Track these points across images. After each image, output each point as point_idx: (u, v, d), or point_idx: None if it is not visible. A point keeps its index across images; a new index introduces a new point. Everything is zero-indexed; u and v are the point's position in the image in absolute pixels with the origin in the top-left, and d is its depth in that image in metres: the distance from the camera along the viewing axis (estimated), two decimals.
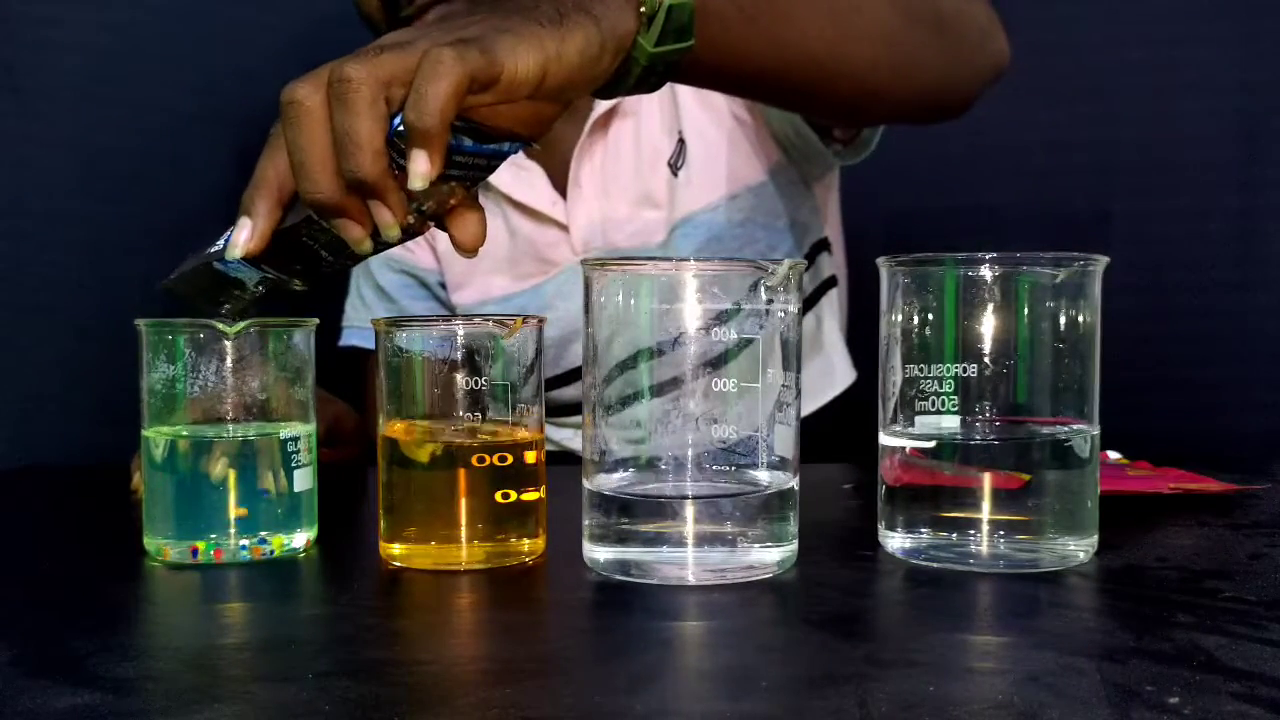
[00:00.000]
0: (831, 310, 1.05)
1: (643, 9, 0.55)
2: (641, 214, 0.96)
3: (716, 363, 0.50)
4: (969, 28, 0.78)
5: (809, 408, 1.02)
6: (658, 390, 0.51)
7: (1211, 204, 1.32)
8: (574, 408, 0.99)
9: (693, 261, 0.50)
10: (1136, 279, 1.28)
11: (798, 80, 0.69)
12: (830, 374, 1.05)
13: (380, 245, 0.54)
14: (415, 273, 1.07)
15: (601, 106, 0.96)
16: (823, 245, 1.03)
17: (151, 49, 1.23)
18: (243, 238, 0.54)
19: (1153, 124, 1.32)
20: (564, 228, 0.98)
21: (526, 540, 0.55)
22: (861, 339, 1.07)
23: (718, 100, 0.96)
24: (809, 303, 1.03)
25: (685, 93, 0.96)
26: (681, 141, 0.96)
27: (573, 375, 1.00)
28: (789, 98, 0.77)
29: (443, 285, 1.07)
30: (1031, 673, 0.38)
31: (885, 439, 0.55)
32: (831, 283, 1.05)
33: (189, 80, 1.24)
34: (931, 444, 0.53)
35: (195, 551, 0.56)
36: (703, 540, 0.51)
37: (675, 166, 0.96)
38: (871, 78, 0.72)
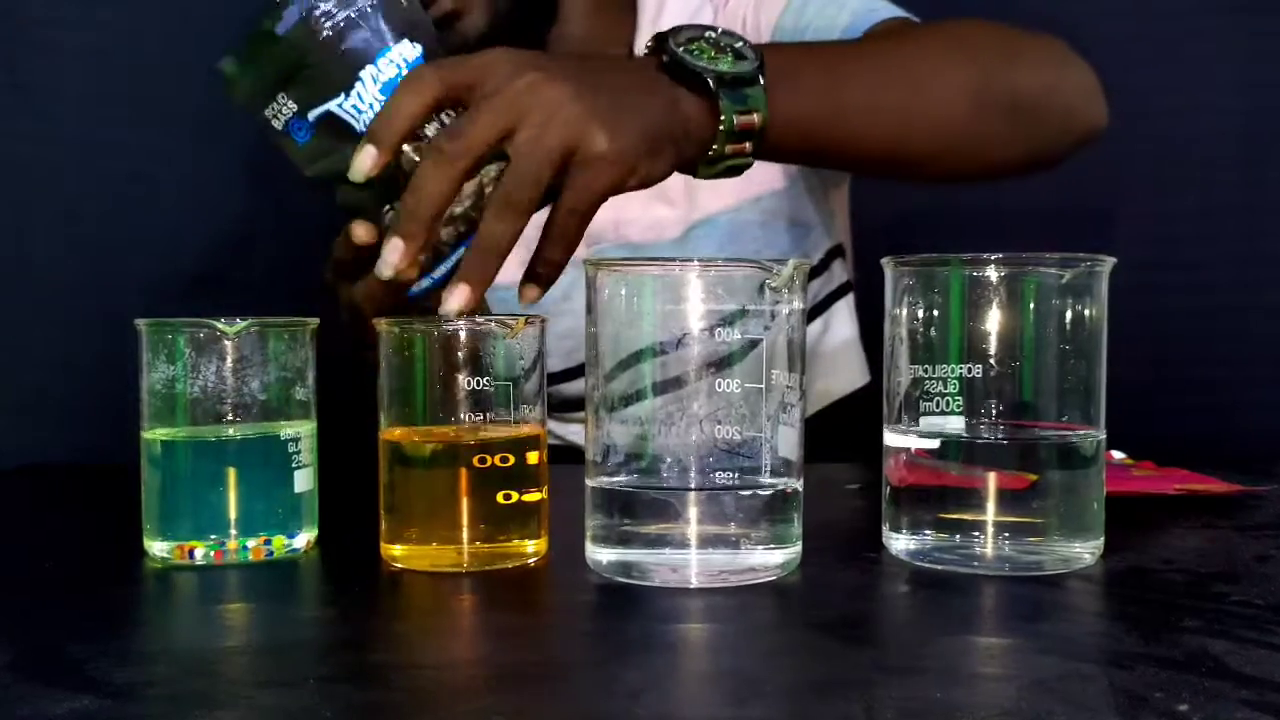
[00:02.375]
0: (848, 314, 1.05)
1: (720, 128, 0.61)
2: (654, 210, 0.96)
3: (720, 363, 0.50)
4: (1054, 105, 0.78)
5: (814, 409, 1.02)
6: (661, 391, 0.50)
7: (1215, 204, 1.32)
8: (582, 403, 0.99)
9: (696, 262, 0.50)
10: (1140, 279, 1.28)
11: (866, 165, 0.73)
12: (838, 378, 1.04)
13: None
14: None
15: None
16: (837, 252, 1.03)
17: (154, 48, 1.23)
18: None
19: (1156, 123, 1.31)
20: None
21: (529, 541, 0.55)
22: (866, 340, 1.07)
23: None
24: (819, 308, 1.03)
25: None
26: None
27: (582, 370, 1.00)
28: (859, 173, 0.82)
29: None
30: (1038, 678, 0.38)
31: (890, 439, 0.55)
32: (847, 288, 1.05)
33: (191, 80, 1.24)
34: (936, 445, 0.53)
35: (194, 552, 0.56)
36: (706, 542, 0.50)
37: None
38: (940, 162, 0.73)
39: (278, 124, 0.56)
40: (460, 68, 0.55)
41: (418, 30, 0.57)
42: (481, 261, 0.56)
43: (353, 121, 0.55)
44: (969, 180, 0.80)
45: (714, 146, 0.61)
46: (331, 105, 0.55)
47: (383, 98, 0.54)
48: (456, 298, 0.56)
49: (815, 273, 1.00)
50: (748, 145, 0.62)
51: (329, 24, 0.54)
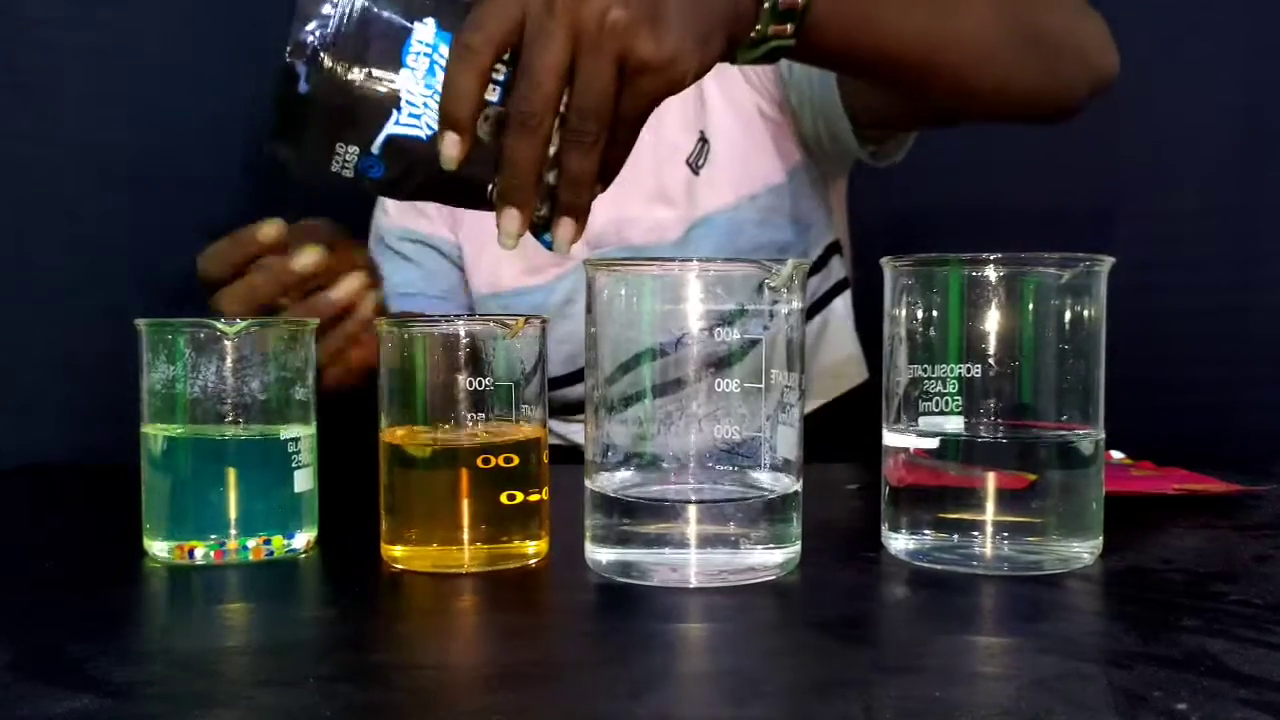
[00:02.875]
0: (846, 311, 1.05)
1: (765, 5, 0.60)
2: (656, 211, 0.96)
3: (720, 363, 0.50)
4: (1071, 45, 0.79)
5: (812, 405, 1.02)
6: (661, 391, 0.50)
7: (1214, 203, 1.32)
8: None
9: (696, 262, 0.50)
10: (1139, 279, 1.28)
11: (896, 75, 0.72)
12: (837, 374, 1.04)
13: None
14: (431, 243, 1.07)
15: None
16: (835, 247, 1.03)
17: (155, 48, 1.23)
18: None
19: (1156, 123, 1.32)
20: None
21: (530, 542, 0.55)
22: (865, 339, 1.07)
23: (745, 99, 0.96)
24: (818, 305, 1.03)
25: (713, 91, 0.96)
26: (704, 140, 0.96)
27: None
28: (885, 86, 0.80)
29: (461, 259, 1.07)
30: (1037, 678, 0.38)
31: (889, 439, 0.55)
32: (845, 284, 1.05)
33: (192, 80, 1.24)
34: (936, 445, 0.53)
35: (194, 552, 0.56)
36: (705, 542, 0.50)
37: (696, 166, 0.96)
38: (965, 80, 0.73)
39: (349, 173, 0.55)
40: (490, 19, 0.53)
41: (413, 5, 0.55)
42: (575, 194, 0.56)
43: (416, 131, 0.53)
44: (987, 112, 0.80)
45: (758, 26, 0.60)
46: (389, 129, 0.54)
47: (429, 91, 0.53)
48: (566, 230, 0.56)
49: (814, 269, 1.00)
50: (789, 26, 0.61)
51: (340, 56, 0.53)
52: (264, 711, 0.36)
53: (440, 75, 0.54)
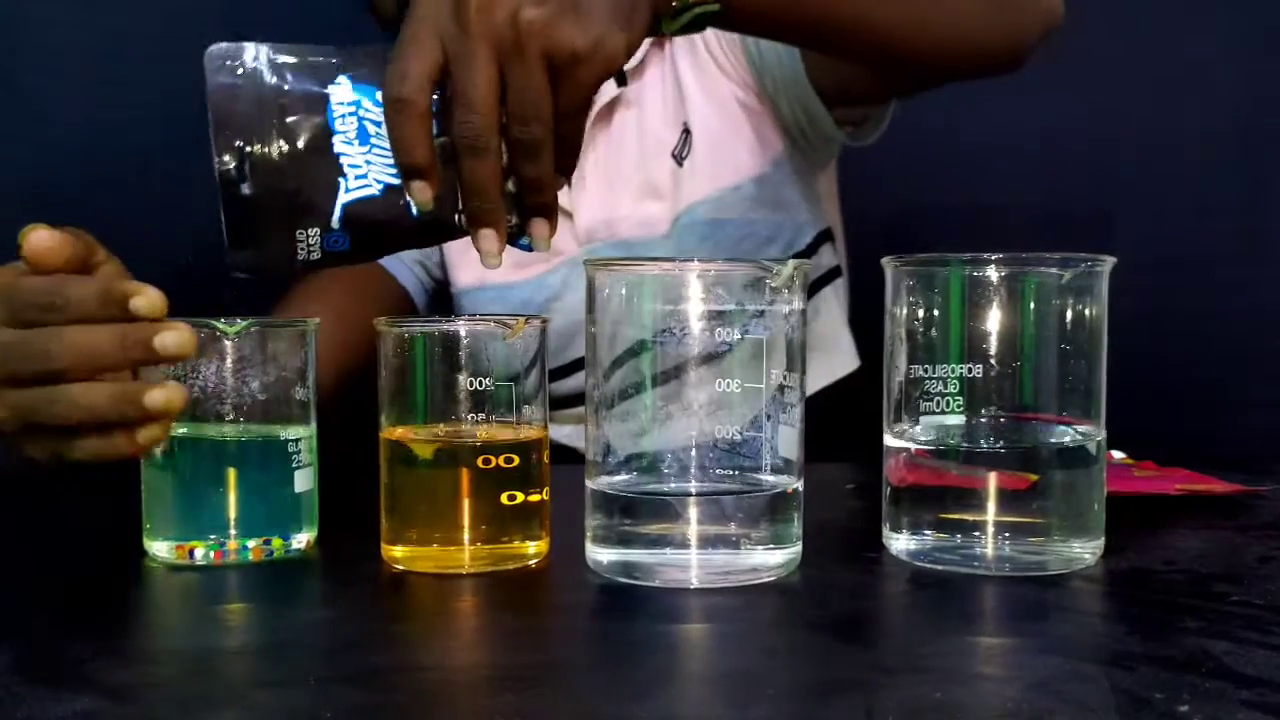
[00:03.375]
0: (837, 300, 1.05)
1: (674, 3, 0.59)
2: (645, 206, 0.96)
3: (720, 362, 0.50)
4: None
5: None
6: (661, 390, 0.50)
7: (1215, 202, 1.32)
8: (573, 400, 0.98)
9: (696, 261, 0.50)
10: (1140, 278, 1.28)
11: (830, 36, 0.71)
12: (829, 362, 1.04)
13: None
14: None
15: (604, 97, 0.95)
16: (826, 235, 1.03)
17: (152, 49, 1.22)
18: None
19: (1156, 121, 1.32)
20: (568, 216, 0.97)
21: (531, 543, 0.55)
22: (862, 333, 1.06)
23: (723, 90, 0.96)
24: (808, 293, 1.02)
25: (691, 83, 0.96)
26: (687, 132, 0.96)
27: (573, 367, 1.00)
28: (828, 50, 0.79)
29: (439, 264, 1.06)
30: (1039, 679, 0.38)
31: (890, 440, 0.55)
32: (836, 273, 1.05)
33: (189, 81, 1.24)
34: (937, 445, 0.53)
35: (194, 553, 0.55)
36: (706, 542, 0.50)
37: (680, 157, 0.96)
38: (905, 36, 0.72)
39: (317, 255, 0.54)
40: (411, 63, 0.52)
41: (321, 71, 0.53)
42: (539, 195, 0.56)
43: (369, 191, 0.53)
44: (935, 66, 0.79)
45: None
46: (342, 199, 0.53)
47: (365, 148, 0.52)
48: (540, 229, 0.57)
49: (802, 257, 1.00)
50: None
51: (271, 147, 0.52)
52: (264, 712, 0.36)
53: (372, 129, 0.53)
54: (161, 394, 0.49)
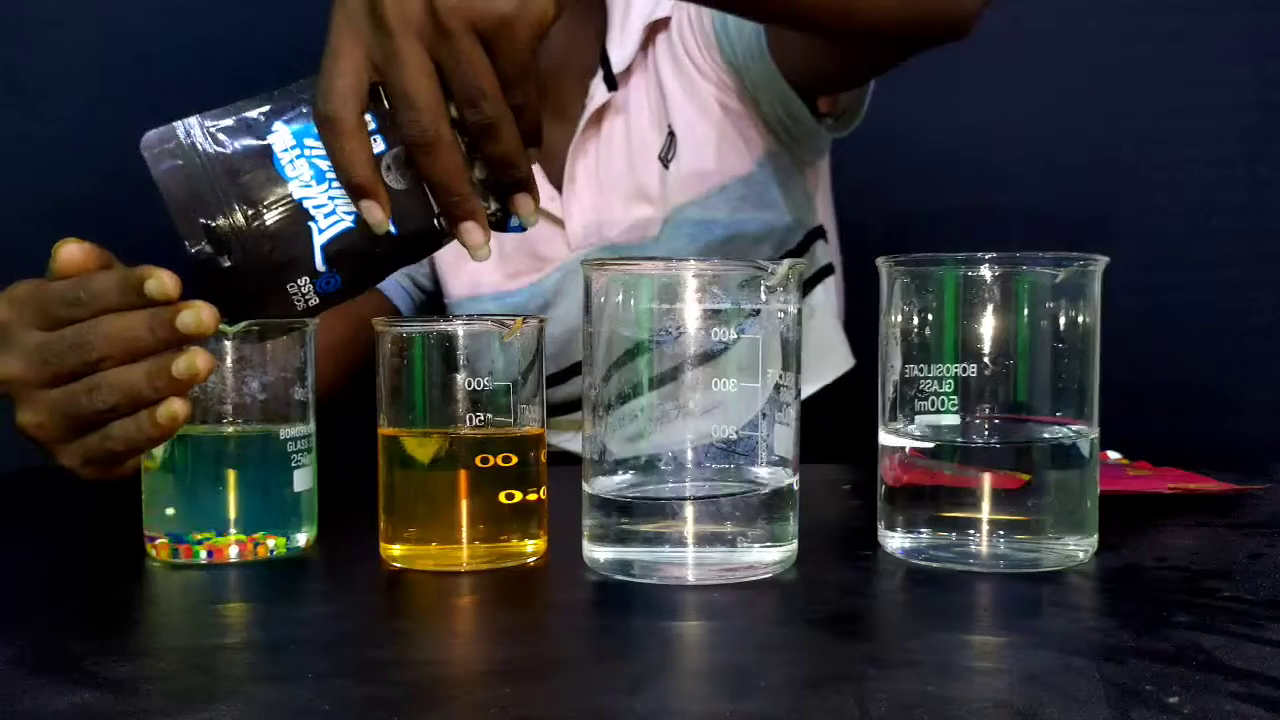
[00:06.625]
0: (829, 298, 1.05)
1: None
2: (635, 210, 0.96)
3: (716, 362, 0.50)
4: None
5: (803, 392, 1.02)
6: (658, 389, 0.51)
7: (1213, 202, 1.32)
8: (571, 405, 0.99)
9: (692, 261, 0.50)
10: (1137, 278, 1.28)
11: (767, 4, 0.70)
12: (822, 361, 1.04)
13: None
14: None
15: (594, 103, 0.96)
16: (818, 233, 1.03)
17: (153, 51, 1.23)
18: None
19: (1155, 121, 1.32)
20: (559, 223, 0.98)
21: (529, 541, 0.55)
22: (856, 332, 1.07)
23: (704, 92, 0.96)
24: (801, 290, 1.02)
25: (673, 86, 0.96)
26: (671, 135, 0.96)
27: (571, 372, 1.00)
28: (761, 17, 0.79)
29: (428, 276, 1.07)
30: (1031, 672, 0.38)
31: (885, 439, 0.55)
32: (828, 270, 1.05)
33: (190, 82, 1.24)
34: (931, 444, 0.53)
35: (194, 551, 0.56)
36: (702, 540, 0.51)
37: (665, 160, 0.96)
38: (847, 16, 0.71)
39: (315, 300, 0.54)
40: (335, 79, 0.52)
41: (255, 125, 0.53)
42: (512, 171, 0.55)
43: (342, 225, 0.53)
44: (883, 33, 0.77)
45: None
46: (319, 242, 0.53)
47: (323, 184, 0.52)
48: (524, 203, 0.56)
49: (794, 255, 1.00)
50: None
51: (235, 215, 0.52)
52: (263, 706, 0.37)
53: (323, 164, 0.53)
54: (184, 359, 0.50)
